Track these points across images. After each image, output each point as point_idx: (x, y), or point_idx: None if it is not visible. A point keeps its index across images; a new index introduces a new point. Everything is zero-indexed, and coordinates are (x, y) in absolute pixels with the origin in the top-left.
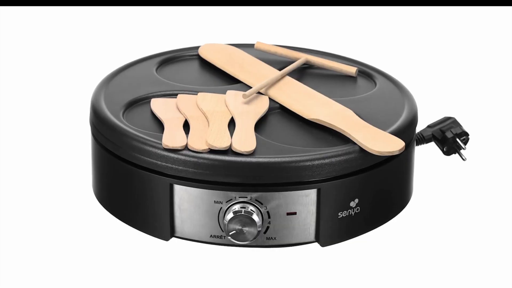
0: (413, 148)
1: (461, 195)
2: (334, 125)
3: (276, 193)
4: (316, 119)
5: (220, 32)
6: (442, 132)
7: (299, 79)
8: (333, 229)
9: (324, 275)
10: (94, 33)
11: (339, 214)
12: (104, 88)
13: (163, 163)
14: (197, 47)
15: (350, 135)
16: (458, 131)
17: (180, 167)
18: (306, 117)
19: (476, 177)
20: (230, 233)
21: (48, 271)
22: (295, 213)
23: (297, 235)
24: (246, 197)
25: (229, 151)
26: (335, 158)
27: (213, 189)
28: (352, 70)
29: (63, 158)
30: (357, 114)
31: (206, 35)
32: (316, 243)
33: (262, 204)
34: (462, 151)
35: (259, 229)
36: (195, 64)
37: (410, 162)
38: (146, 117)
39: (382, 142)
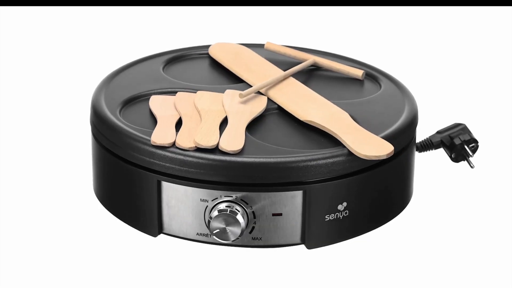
0: (411, 152)
1: (461, 198)
2: (326, 128)
3: (262, 194)
4: (310, 121)
5: (234, 32)
6: (451, 138)
7: (306, 80)
8: (320, 232)
9: (309, 278)
10: (108, 32)
11: (326, 217)
12: (106, 85)
13: (151, 160)
14: (208, 46)
15: (340, 137)
16: (467, 138)
17: (167, 164)
18: (301, 119)
19: (475, 178)
20: (213, 232)
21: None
22: (280, 214)
23: (283, 236)
24: (232, 197)
25: (216, 149)
26: (322, 161)
27: (199, 187)
28: (358, 73)
29: (64, 156)
30: (358, 117)
31: (220, 34)
32: (303, 245)
33: (247, 204)
34: (470, 158)
35: (243, 229)
36: (203, 63)
37: (407, 166)
38: (144, 114)
39: (371, 146)
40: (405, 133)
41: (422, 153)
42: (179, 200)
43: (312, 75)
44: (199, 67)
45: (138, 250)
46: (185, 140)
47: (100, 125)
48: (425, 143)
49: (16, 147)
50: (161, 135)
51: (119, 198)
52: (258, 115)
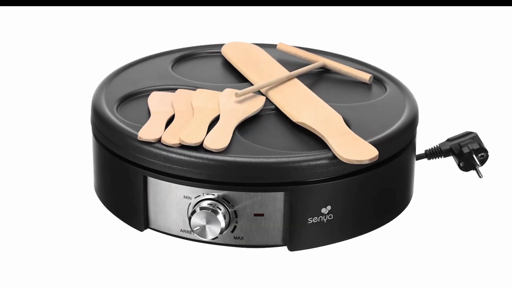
0: (408, 157)
1: (460, 201)
2: (316, 130)
3: (244, 193)
4: (301, 123)
5: (252, 32)
6: (460, 146)
7: (314, 82)
8: (303, 235)
9: (289, 281)
10: (127, 31)
11: (309, 219)
12: (111, 80)
13: (138, 155)
14: (220, 45)
15: (327, 140)
16: (476, 147)
17: (152, 160)
18: (293, 120)
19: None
20: (194, 229)
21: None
22: (262, 215)
23: (265, 237)
24: (214, 195)
25: (200, 147)
26: (304, 163)
27: (182, 184)
28: (366, 77)
29: (64, 153)
30: (357, 120)
31: (238, 34)
32: (285, 247)
33: (229, 203)
34: (479, 168)
35: (223, 228)
36: (214, 62)
37: (405, 168)
38: (143, 110)
39: (355, 151)
40: (404, 134)
41: (431, 160)
42: (163, 196)
43: (321, 77)
44: (209, 65)
45: (125, 244)
46: (171, 136)
47: (97, 120)
48: (434, 151)
49: (14, 146)
50: (149, 131)
51: (111, 191)
52: (252, 115)
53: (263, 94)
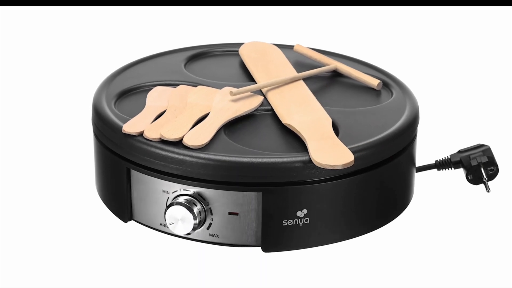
0: (406, 157)
1: (459, 205)
2: (299, 132)
3: (219, 191)
4: (288, 124)
5: (278, 32)
6: (470, 159)
7: (325, 85)
8: (277, 236)
9: (259, 281)
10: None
11: (283, 222)
12: (115, 77)
13: (122, 147)
14: (241, 44)
15: (307, 144)
16: (484, 160)
17: (134, 153)
18: (282, 121)
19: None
20: (168, 223)
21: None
22: (237, 214)
23: (239, 236)
24: (189, 191)
25: (181, 143)
26: (279, 165)
27: (161, 179)
28: (374, 82)
29: (65, 151)
30: (357, 125)
31: (264, 34)
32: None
33: (204, 200)
34: (488, 182)
35: (195, 224)
36: (230, 60)
37: (388, 179)
38: (143, 104)
39: (331, 155)
40: (403, 135)
41: (441, 171)
42: (145, 189)
43: (333, 81)
44: (222, 64)
45: (109, 234)
46: (153, 131)
47: (93, 114)
48: (444, 162)
49: (15, 146)
50: (134, 124)
51: (103, 182)
52: (243, 114)
53: (263, 94)
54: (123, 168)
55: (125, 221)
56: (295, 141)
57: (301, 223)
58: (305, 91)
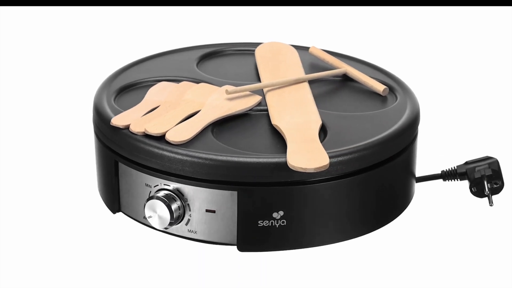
0: (372, 175)
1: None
2: (284, 134)
3: (197, 188)
4: (276, 126)
5: (305, 33)
6: (474, 171)
7: (334, 89)
8: (252, 236)
9: (232, 280)
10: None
11: (259, 222)
12: (125, 70)
13: (110, 139)
14: (252, 43)
15: (287, 145)
16: (488, 173)
17: (120, 146)
18: (272, 122)
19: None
20: (147, 216)
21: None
22: (214, 211)
23: (217, 234)
24: (170, 186)
25: (164, 138)
26: (254, 165)
27: (144, 172)
28: (380, 88)
29: (66, 148)
30: (350, 129)
31: (290, 35)
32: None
33: (183, 195)
34: (491, 196)
35: (171, 219)
36: (245, 60)
37: (369, 186)
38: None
39: (305, 158)
40: (402, 136)
41: (447, 181)
42: (130, 182)
43: (343, 85)
44: (237, 63)
45: (99, 225)
46: (139, 125)
47: (93, 108)
48: (450, 172)
49: (15, 146)
50: (123, 117)
51: (97, 173)
52: (236, 113)
53: (264, 95)
54: (111, 160)
55: (114, 212)
56: (282, 142)
57: (277, 225)
58: (305, 93)
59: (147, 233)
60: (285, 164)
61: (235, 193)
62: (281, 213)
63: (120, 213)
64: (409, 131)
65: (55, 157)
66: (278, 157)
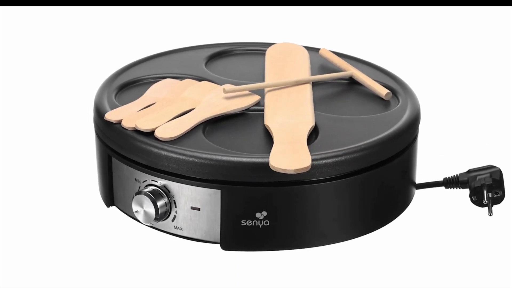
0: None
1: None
2: (273, 134)
3: (182, 185)
4: (267, 126)
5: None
6: (475, 179)
7: (340, 91)
8: (236, 236)
9: (213, 278)
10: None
11: (242, 221)
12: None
13: (104, 134)
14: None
15: (273, 146)
16: (489, 182)
17: (112, 140)
18: (264, 123)
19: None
20: (134, 211)
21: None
22: (199, 209)
23: (201, 231)
24: (157, 182)
25: (153, 134)
26: (236, 164)
27: (134, 168)
28: (383, 92)
29: (67, 147)
30: (344, 131)
31: (305, 36)
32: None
33: (169, 192)
34: (492, 206)
35: (156, 214)
36: (255, 60)
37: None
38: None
39: (288, 159)
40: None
41: (449, 189)
42: (122, 177)
43: (349, 87)
44: (246, 62)
45: (92, 218)
46: (130, 120)
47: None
48: (451, 180)
49: (15, 146)
50: (117, 113)
51: (97, 169)
52: (231, 112)
53: (263, 95)
54: (105, 155)
55: (108, 206)
56: (267, 142)
57: (260, 225)
58: (305, 95)
59: (137, 228)
60: (267, 165)
61: (219, 191)
62: (265, 213)
63: (114, 207)
64: (408, 131)
65: (56, 154)
66: (261, 157)
